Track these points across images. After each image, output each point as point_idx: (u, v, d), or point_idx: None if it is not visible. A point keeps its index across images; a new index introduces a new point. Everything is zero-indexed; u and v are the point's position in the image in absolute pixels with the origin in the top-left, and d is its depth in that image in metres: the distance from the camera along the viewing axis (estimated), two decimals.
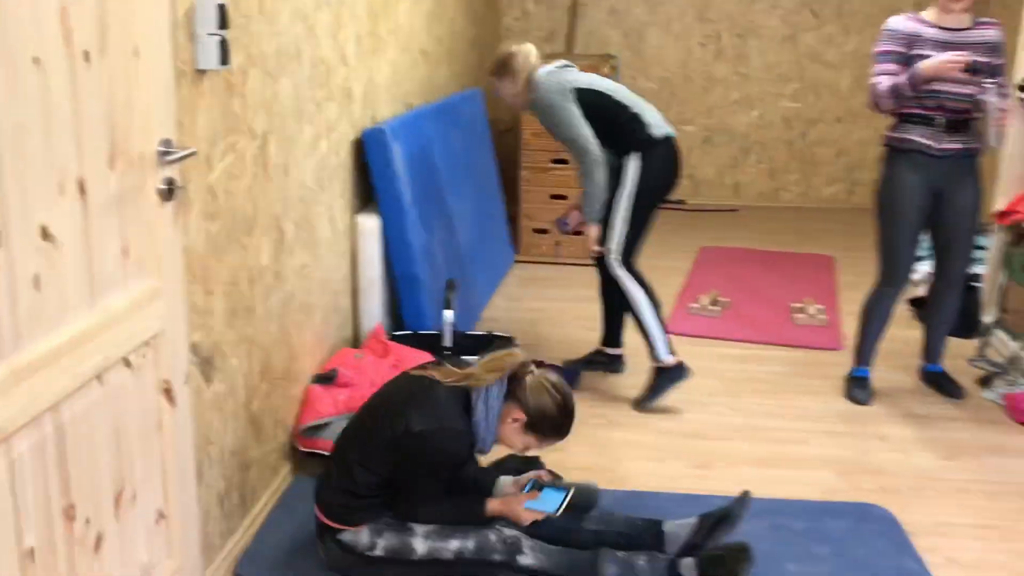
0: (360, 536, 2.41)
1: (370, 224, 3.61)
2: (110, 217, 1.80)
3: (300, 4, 2.86)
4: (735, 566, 2.33)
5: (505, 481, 2.61)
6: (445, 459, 2.34)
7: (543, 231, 5.50)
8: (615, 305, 3.81)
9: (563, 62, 3.68)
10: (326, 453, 2.80)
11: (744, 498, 2.51)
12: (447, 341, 3.47)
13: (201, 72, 2.22)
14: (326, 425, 3.02)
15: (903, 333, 4.38)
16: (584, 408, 3.56)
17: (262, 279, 2.70)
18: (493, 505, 2.44)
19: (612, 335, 3.91)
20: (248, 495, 2.69)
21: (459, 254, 4.29)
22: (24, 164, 1.54)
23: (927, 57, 3.29)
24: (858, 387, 3.70)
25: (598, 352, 3.94)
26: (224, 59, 2.22)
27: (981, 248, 4.97)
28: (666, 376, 3.57)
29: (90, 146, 1.72)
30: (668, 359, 3.56)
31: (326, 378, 3.14)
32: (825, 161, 7.14)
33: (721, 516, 2.47)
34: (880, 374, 3.87)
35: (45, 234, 1.60)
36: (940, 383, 3.80)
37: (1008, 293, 4.27)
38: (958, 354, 4.14)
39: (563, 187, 5.40)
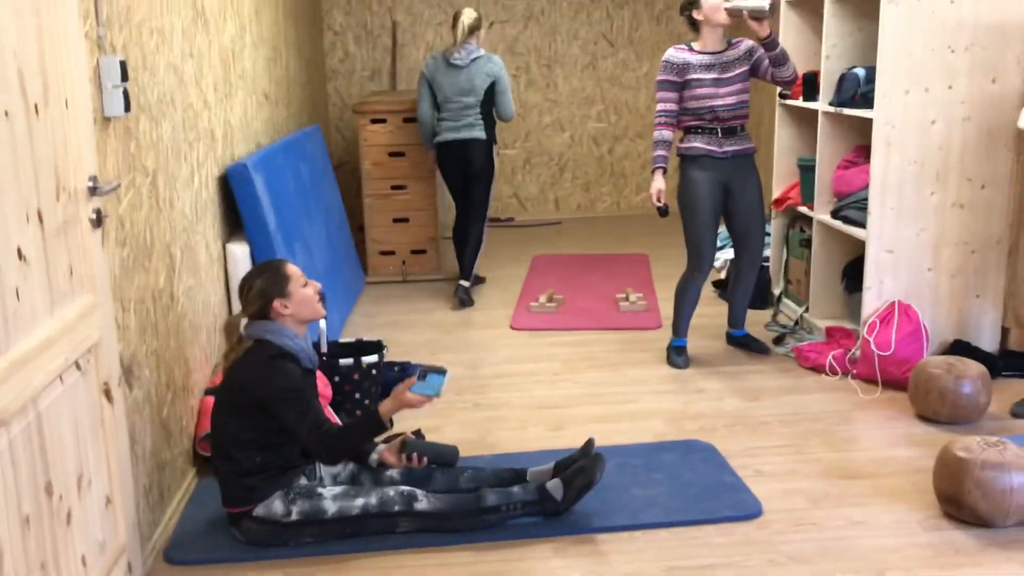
0: (274, 508, 2.80)
1: (239, 251, 3.97)
2: (60, 241, 2.15)
3: (171, 57, 3.24)
4: (592, 467, 2.88)
5: (381, 448, 3.07)
6: (292, 379, 2.76)
7: (390, 252, 5.96)
8: (461, 248, 5.56)
9: (461, 53, 5.31)
10: None
11: (588, 444, 3.08)
12: (323, 348, 3.87)
13: (108, 119, 2.58)
14: None
15: (709, 310, 5.13)
16: (452, 396, 4.07)
17: (161, 299, 3.04)
18: (386, 406, 2.82)
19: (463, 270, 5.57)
20: (165, 492, 3.01)
21: (319, 275, 4.69)
22: (3, 198, 1.89)
23: (700, 81, 4.07)
24: (677, 355, 4.37)
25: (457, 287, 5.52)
26: (127, 107, 2.59)
27: (767, 234, 5.83)
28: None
29: (43, 182, 2.07)
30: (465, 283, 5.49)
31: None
32: (632, 173, 7.97)
33: (572, 461, 3.02)
34: (694, 343, 4.57)
35: (20, 254, 1.95)
36: (747, 344, 4.53)
37: (790, 267, 5.10)
38: (756, 322, 4.91)
39: (405, 210, 5.90)
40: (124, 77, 2.57)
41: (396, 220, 5.92)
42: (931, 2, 3.88)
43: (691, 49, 4.17)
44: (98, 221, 2.35)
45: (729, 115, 4.13)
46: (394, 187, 5.90)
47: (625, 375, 4.27)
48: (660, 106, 4.17)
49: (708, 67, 4.10)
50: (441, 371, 2.90)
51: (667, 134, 4.17)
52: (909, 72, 3.94)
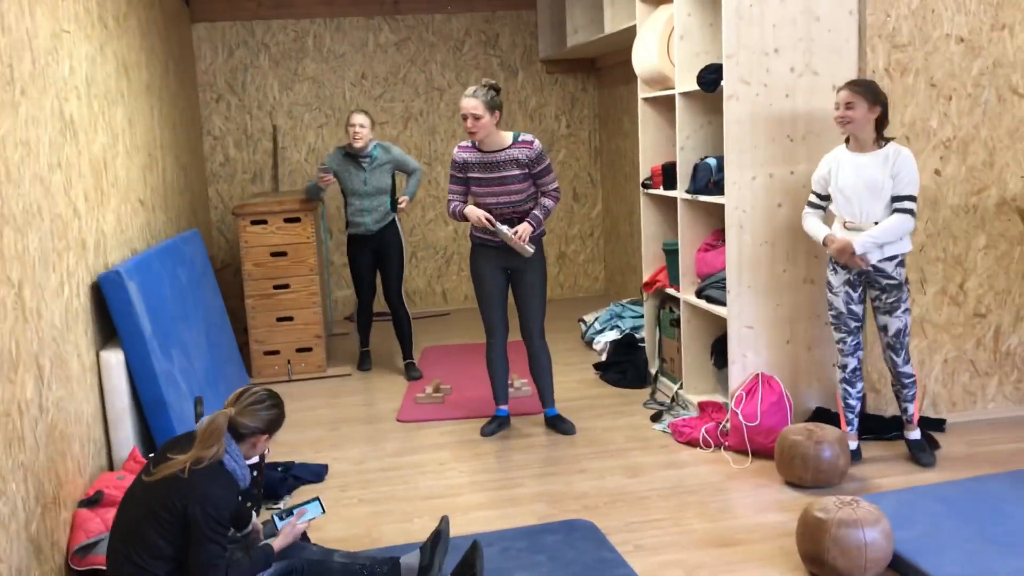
0: None
1: (114, 358, 3.92)
2: None
3: (38, 168, 3.25)
4: (473, 557, 2.95)
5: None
6: (227, 510, 2.74)
7: (274, 352, 5.94)
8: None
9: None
10: (102, 567, 3.08)
11: (444, 520, 3.17)
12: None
13: None
14: (96, 543, 3.29)
15: (593, 391, 5.28)
16: (337, 493, 4.06)
17: (29, 411, 2.99)
18: (279, 543, 2.94)
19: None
20: None
21: (198, 379, 4.65)
22: None
23: (477, 180, 4.44)
24: (488, 423, 4.74)
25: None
26: None
27: (639, 316, 6.07)
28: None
29: None
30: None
31: (93, 501, 3.41)
32: None
33: (433, 538, 3.10)
34: (579, 424, 4.69)
35: None
36: (555, 424, 4.72)
37: (663, 346, 5.31)
38: (635, 400, 5.09)
39: (288, 309, 5.92)
40: None
41: (280, 319, 5.93)
42: (768, 96, 4.23)
43: (473, 147, 4.47)
44: None
45: (507, 211, 4.45)
46: (277, 286, 5.92)
47: (509, 460, 4.35)
48: (450, 196, 4.55)
49: (484, 166, 4.43)
50: (315, 500, 3.18)
51: (458, 207, 4.50)
52: (754, 160, 4.26)
